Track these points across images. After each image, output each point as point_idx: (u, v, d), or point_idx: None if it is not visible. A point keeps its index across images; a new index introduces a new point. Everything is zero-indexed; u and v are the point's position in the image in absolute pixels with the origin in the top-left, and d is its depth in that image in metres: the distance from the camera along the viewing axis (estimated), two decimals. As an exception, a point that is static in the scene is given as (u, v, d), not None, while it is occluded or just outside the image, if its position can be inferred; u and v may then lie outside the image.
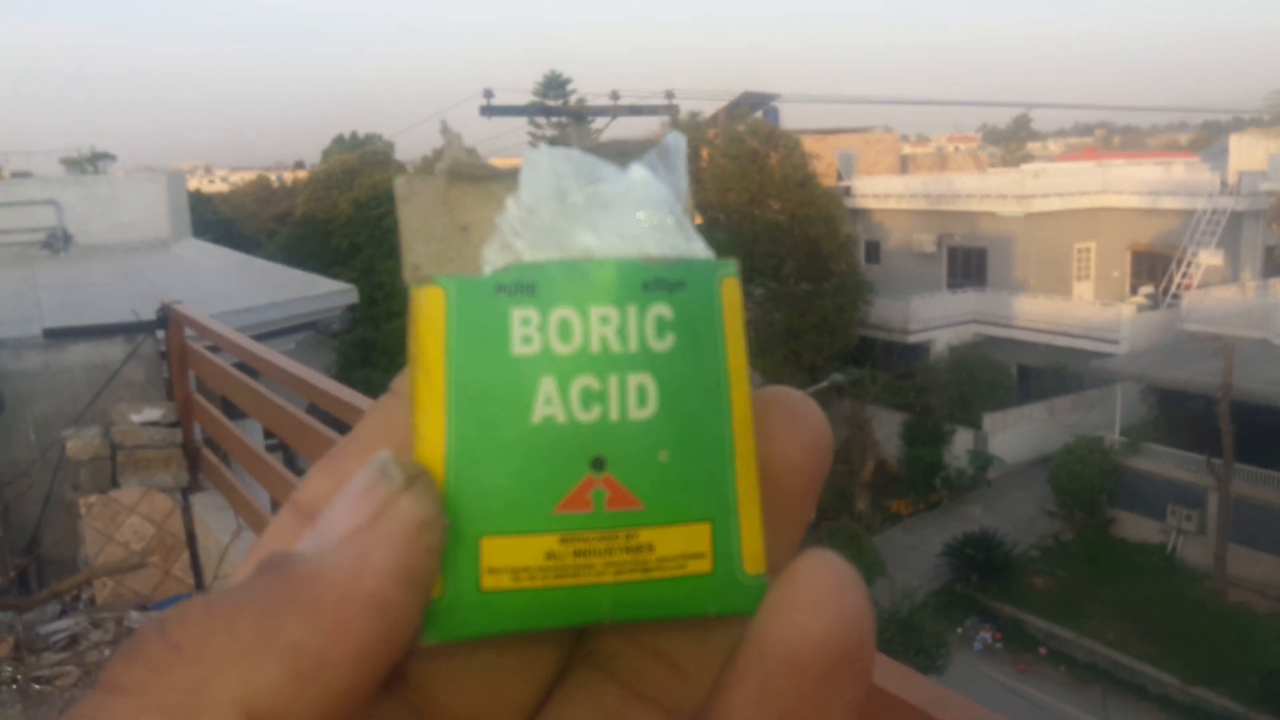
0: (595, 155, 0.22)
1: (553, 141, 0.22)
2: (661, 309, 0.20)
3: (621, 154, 0.22)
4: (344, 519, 0.19)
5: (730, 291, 0.21)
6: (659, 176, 0.22)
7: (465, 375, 0.20)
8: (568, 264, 0.20)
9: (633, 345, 0.20)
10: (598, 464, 0.20)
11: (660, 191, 0.21)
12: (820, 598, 0.18)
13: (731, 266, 0.21)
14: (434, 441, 0.20)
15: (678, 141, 0.23)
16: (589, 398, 0.20)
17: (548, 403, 0.20)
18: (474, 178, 0.22)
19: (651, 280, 0.20)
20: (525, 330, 0.20)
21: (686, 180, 0.23)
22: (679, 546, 0.20)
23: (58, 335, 4.40)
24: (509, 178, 0.22)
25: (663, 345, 0.20)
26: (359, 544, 0.18)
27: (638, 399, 0.20)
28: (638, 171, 0.22)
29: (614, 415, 0.20)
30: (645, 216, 0.21)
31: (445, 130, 0.22)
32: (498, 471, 0.20)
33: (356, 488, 0.19)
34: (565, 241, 0.21)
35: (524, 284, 0.20)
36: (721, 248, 0.21)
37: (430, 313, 0.20)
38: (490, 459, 0.20)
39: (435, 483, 0.19)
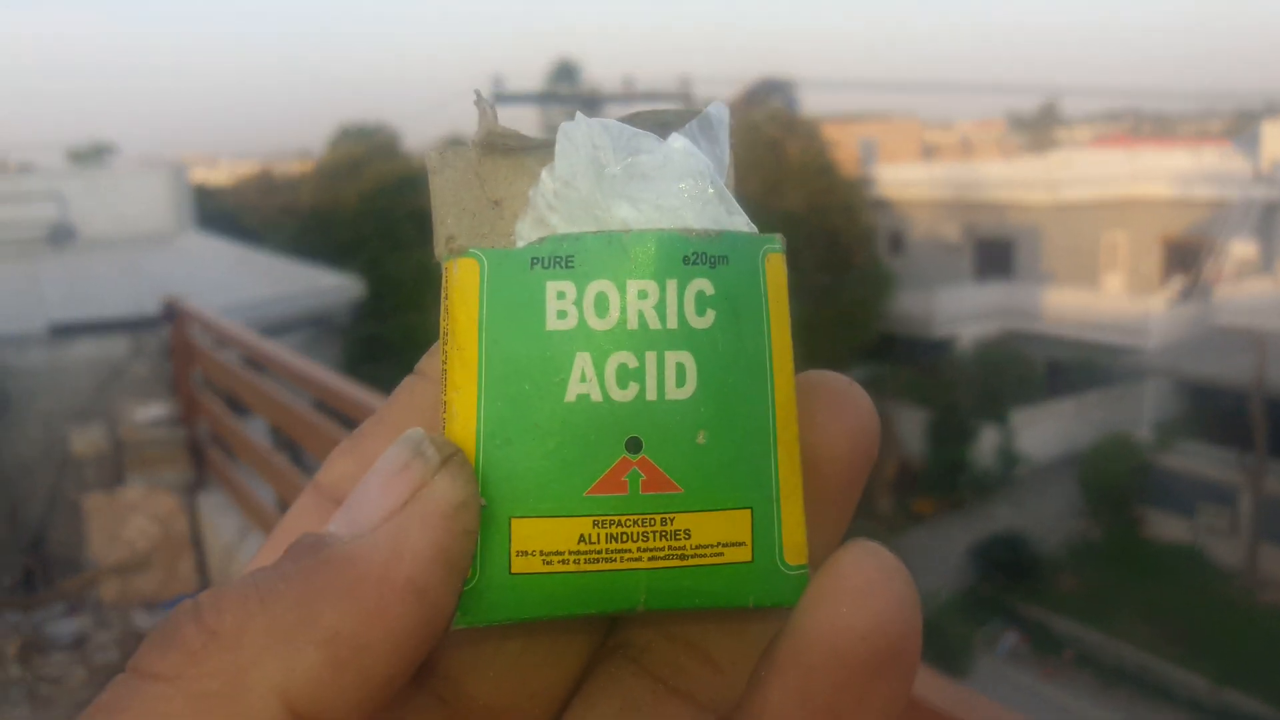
0: (633, 125, 0.21)
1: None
2: (702, 284, 0.19)
3: (661, 124, 0.21)
4: (378, 499, 0.18)
5: (775, 267, 0.20)
6: (700, 147, 0.21)
7: (499, 351, 0.19)
8: (605, 236, 0.19)
9: (672, 321, 0.19)
10: (634, 445, 0.19)
11: (701, 163, 0.21)
12: (865, 590, 0.18)
13: (776, 242, 0.21)
14: (466, 419, 0.19)
15: (720, 112, 0.22)
16: (625, 376, 0.19)
17: (583, 380, 0.19)
18: (507, 150, 0.21)
19: (692, 254, 0.19)
20: (561, 305, 0.19)
21: (729, 152, 0.22)
22: (717, 533, 0.19)
23: (62, 331, 4.32)
24: (544, 149, 0.21)
25: (703, 322, 0.19)
26: (396, 526, 0.18)
27: (676, 378, 0.19)
28: (678, 142, 0.21)
29: (651, 394, 0.19)
30: (685, 188, 0.20)
31: (479, 100, 0.21)
32: (530, 451, 0.19)
33: (389, 466, 0.19)
34: (601, 215, 0.20)
35: (560, 257, 0.19)
36: None
37: (463, 286, 0.20)
38: (522, 438, 0.19)
39: (470, 462, 0.19)
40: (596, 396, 0.19)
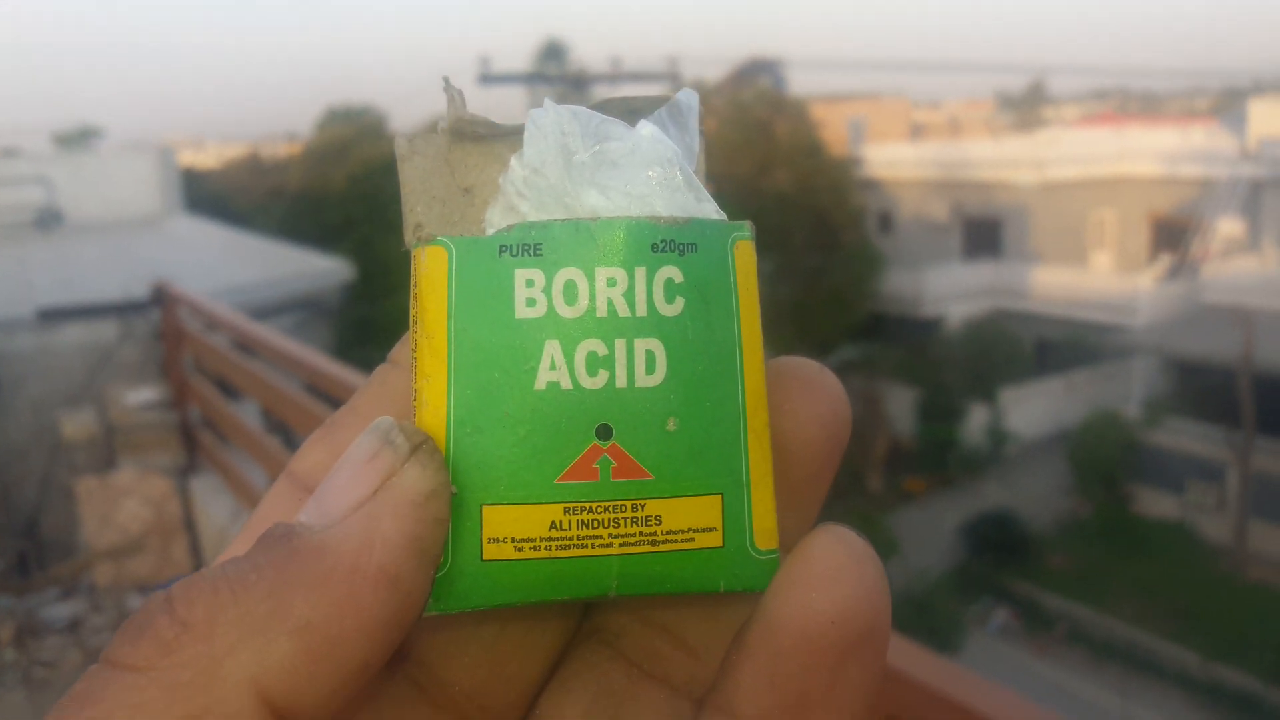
0: (602, 112, 0.21)
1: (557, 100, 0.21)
2: (671, 271, 0.19)
3: (630, 111, 0.21)
4: (347, 488, 0.18)
5: (744, 254, 0.20)
6: (669, 135, 0.21)
7: (468, 339, 0.19)
8: (573, 224, 0.19)
9: (641, 309, 0.19)
10: (604, 432, 0.19)
11: (670, 150, 0.21)
12: (833, 575, 0.18)
13: (745, 229, 0.21)
14: (436, 407, 0.19)
15: (690, 99, 0.22)
16: (595, 363, 0.19)
17: (552, 368, 0.19)
18: (477, 136, 0.21)
19: (661, 241, 0.19)
20: (530, 293, 0.19)
21: (699, 139, 0.22)
22: (688, 519, 0.19)
23: (51, 315, 4.29)
24: (513, 136, 0.21)
25: (672, 309, 0.19)
26: (366, 515, 0.18)
27: (646, 365, 0.19)
28: (647, 129, 0.21)
29: (621, 382, 0.19)
30: (654, 175, 0.20)
31: (447, 87, 0.21)
32: (500, 439, 0.19)
33: (359, 455, 0.19)
34: (571, 202, 0.20)
35: (528, 244, 0.19)
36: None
37: (432, 274, 0.20)
38: (493, 426, 0.19)
39: (440, 450, 0.19)
40: (566, 384, 0.19)
